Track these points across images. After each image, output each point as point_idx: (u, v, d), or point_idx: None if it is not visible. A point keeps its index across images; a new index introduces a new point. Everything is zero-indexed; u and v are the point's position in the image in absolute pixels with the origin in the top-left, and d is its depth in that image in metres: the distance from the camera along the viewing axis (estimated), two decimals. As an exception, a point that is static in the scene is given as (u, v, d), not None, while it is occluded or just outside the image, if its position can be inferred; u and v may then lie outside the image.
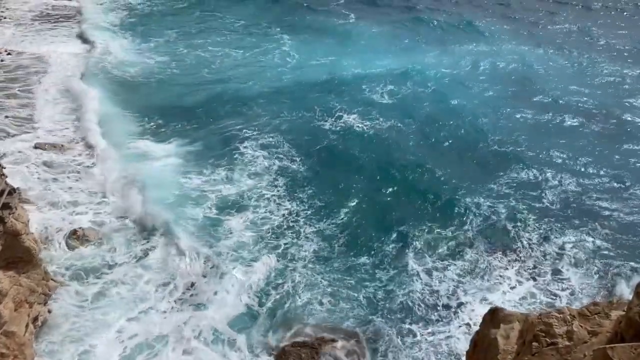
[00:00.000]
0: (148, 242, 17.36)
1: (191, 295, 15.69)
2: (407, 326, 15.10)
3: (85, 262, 16.42)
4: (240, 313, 15.29)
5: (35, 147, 21.44)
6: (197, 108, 25.01)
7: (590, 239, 18.14)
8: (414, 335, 14.87)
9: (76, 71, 27.97)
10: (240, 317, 15.17)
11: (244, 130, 23.28)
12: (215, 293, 15.70)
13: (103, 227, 17.87)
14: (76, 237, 17.13)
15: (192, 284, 16.04)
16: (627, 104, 26.90)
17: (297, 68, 29.55)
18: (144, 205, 18.68)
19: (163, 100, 25.41)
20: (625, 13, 40.95)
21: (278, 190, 19.96)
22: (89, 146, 21.97)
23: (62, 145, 21.89)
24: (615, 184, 21.02)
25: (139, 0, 38.66)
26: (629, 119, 25.45)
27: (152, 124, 23.50)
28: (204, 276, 16.31)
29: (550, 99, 27.01)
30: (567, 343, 6.24)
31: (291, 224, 18.36)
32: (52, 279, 15.26)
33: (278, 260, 16.99)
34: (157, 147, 22.03)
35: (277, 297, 15.78)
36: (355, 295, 15.93)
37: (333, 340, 14.72)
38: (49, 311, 14.81)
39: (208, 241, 17.42)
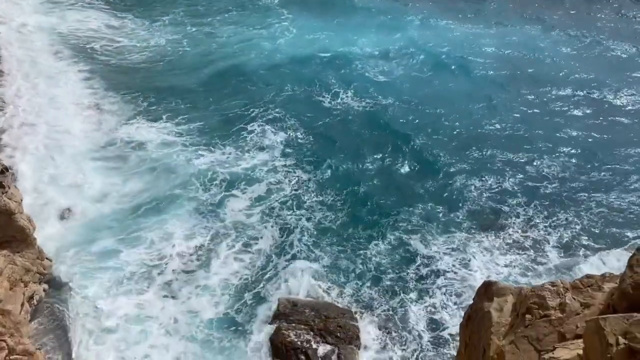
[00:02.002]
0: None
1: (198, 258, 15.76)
2: (400, 301, 15.31)
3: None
4: (235, 285, 15.45)
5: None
6: (204, 86, 24.90)
7: (580, 220, 18.25)
8: (408, 310, 15.08)
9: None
10: (234, 289, 15.34)
11: (250, 107, 23.34)
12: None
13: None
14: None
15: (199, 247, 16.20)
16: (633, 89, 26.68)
17: (294, 44, 29.30)
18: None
19: (173, 80, 25.23)
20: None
21: (285, 164, 20.20)
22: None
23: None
24: (610, 168, 21.02)
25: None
26: (632, 106, 25.25)
27: (155, 104, 23.36)
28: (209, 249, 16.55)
29: (552, 82, 26.81)
30: (560, 315, 6.30)
31: (297, 196, 18.65)
32: (46, 258, 15.27)
33: (281, 234, 17.21)
34: (165, 127, 21.95)
35: (276, 269, 15.98)
36: (352, 268, 16.21)
37: (327, 317, 14.87)
38: (45, 290, 14.85)
39: (216, 215, 17.62)
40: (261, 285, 15.71)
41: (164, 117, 22.43)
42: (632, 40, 31.39)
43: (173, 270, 15.88)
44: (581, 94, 25.87)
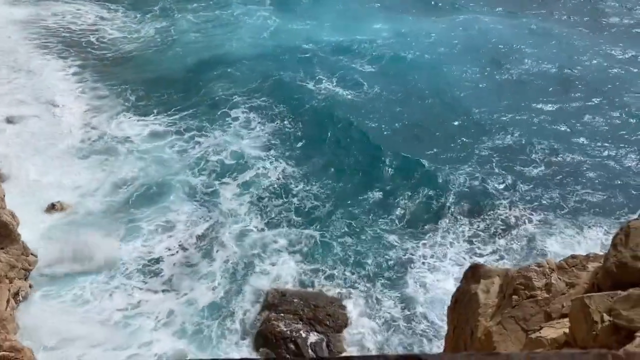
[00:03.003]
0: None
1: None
2: (388, 288, 15.44)
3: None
4: (222, 275, 15.48)
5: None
6: (190, 74, 25.00)
7: (565, 202, 18.47)
8: (395, 296, 15.22)
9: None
10: (221, 280, 15.36)
11: (236, 94, 23.37)
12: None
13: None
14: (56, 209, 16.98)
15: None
16: (604, 72, 26.98)
17: (278, 32, 29.25)
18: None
19: (160, 70, 25.24)
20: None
21: (272, 152, 20.24)
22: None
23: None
24: (594, 151, 21.24)
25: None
26: (613, 92, 25.48)
27: (143, 93, 23.33)
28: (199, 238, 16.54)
29: (533, 69, 26.95)
30: (546, 295, 6.38)
31: (285, 185, 18.71)
32: (31, 254, 15.09)
33: (269, 223, 17.27)
34: (152, 117, 21.94)
35: (265, 259, 16.02)
36: (340, 256, 16.26)
37: (316, 307, 14.91)
38: (30, 286, 14.70)
39: (204, 205, 17.63)
40: (249, 275, 15.72)
41: (152, 106, 22.39)
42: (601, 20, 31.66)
43: (161, 261, 15.89)
44: (564, 77, 26.06)
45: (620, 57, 28.08)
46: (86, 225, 16.57)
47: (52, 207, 16.97)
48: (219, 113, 22.25)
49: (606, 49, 28.98)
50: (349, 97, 23.74)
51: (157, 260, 15.85)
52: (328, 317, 14.70)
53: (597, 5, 34.20)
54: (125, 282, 15.12)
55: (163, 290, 15.10)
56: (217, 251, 16.31)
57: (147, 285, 15.17)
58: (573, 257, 6.83)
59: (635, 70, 26.73)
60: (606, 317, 5.51)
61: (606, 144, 21.39)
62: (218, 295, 15.07)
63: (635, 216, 16.62)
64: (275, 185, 18.79)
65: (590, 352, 1.62)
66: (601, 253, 6.84)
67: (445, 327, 13.90)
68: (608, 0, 34.68)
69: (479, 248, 16.70)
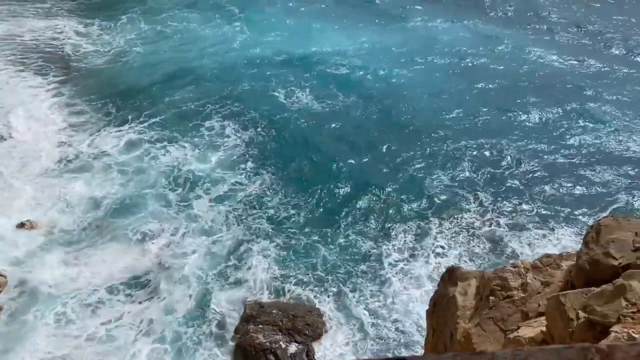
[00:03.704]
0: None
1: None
2: (362, 294, 15.48)
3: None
4: (200, 288, 15.30)
5: None
6: (159, 86, 24.90)
7: (534, 203, 18.83)
8: (369, 302, 15.25)
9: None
10: (200, 292, 15.18)
11: (206, 104, 23.35)
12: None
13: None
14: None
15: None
16: (577, 75, 27.67)
17: (248, 44, 29.31)
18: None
19: (130, 81, 25.18)
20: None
21: (246, 161, 20.32)
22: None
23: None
24: (563, 152, 21.73)
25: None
26: (572, 95, 26.15)
27: (111, 108, 23.09)
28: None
29: (505, 72, 27.51)
30: (522, 295, 6.47)
31: (260, 195, 18.73)
32: (1, 275, 14.66)
33: (243, 232, 17.20)
34: (125, 129, 21.79)
35: (240, 272, 15.87)
36: (316, 265, 16.27)
37: (294, 317, 14.83)
38: (0, 308, 14.25)
39: (179, 216, 17.61)
40: (225, 286, 15.58)
41: (125, 118, 22.31)
42: (580, 21, 32.57)
43: (140, 271, 15.68)
44: (533, 80, 26.65)
45: (571, 61, 28.85)
46: (60, 243, 16.22)
47: (21, 226, 16.53)
48: (191, 124, 22.17)
49: (556, 51, 29.85)
50: (321, 107, 23.87)
51: (135, 272, 15.68)
52: (307, 327, 14.63)
53: (537, 9, 35.10)
54: (105, 296, 14.91)
55: (141, 302, 14.91)
56: (193, 260, 16.16)
57: (126, 298, 14.99)
58: (547, 256, 6.94)
59: (591, 72, 27.49)
60: (581, 314, 5.61)
61: (573, 146, 21.92)
62: (194, 307, 14.90)
63: (606, 214, 17.06)
64: (251, 195, 18.76)
65: (574, 346, 1.64)
66: (574, 251, 6.98)
67: (419, 332, 14.15)
68: (548, 6, 35.65)
69: (451, 251, 16.88)
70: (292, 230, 17.48)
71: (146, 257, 16.12)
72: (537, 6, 35.38)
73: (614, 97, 25.20)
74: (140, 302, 14.91)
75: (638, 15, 34.45)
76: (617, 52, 29.84)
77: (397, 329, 14.60)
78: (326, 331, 14.55)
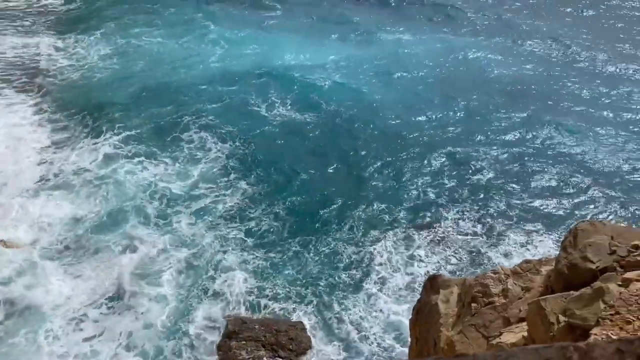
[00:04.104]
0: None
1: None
2: (345, 305, 15.42)
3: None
4: (176, 304, 15.10)
5: None
6: (137, 99, 24.73)
7: (511, 210, 19.06)
8: (352, 313, 15.20)
9: None
10: (178, 309, 15.00)
11: (185, 116, 23.25)
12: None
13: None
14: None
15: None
16: (548, 83, 28.24)
17: (227, 57, 29.33)
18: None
19: (106, 96, 24.96)
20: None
21: (226, 173, 20.22)
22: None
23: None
24: (541, 159, 22.07)
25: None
26: (554, 104, 26.67)
27: (91, 121, 22.98)
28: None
29: (481, 82, 27.93)
30: (504, 301, 6.51)
31: (240, 207, 18.63)
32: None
33: (224, 247, 17.02)
34: (103, 144, 21.54)
35: (220, 287, 15.74)
36: (297, 278, 16.15)
37: (277, 332, 14.70)
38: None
39: (160, 230, 17.51)
40: (206, 301, 15.40)
41: (101, 132, 22.07)
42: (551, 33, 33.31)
43: (119, 286, 15.47)
44: (505, 90, 27.10)
45: (542, 71, 29.50)
46: (42, 261, 16.06)
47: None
48: (169, 137, 22.05)
49: (527, 61, 30.53)
50: (301, 119, 23.96)
51: (114, 287, 15.48)
52: (290, 341, 14.48)
53: (507, 21, 35.92)
54: (87, 311, 14.72)
55: (120, 315, 14.72)
56: (171, 275, 15.98)
57: (108, 311, 14.82)
58: (526, 261, 7.01)
59: (562, 82, 28.09)
60: (561, 318, 5.67)
61: (548, 155, 22.28)
62: (173, 321, 14.71)
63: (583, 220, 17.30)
64: (232, 208, 18.65)
65: (553, 345, 1.64)
66: (553, 257, 7.06)
67: (402, 342, 14.15)
68: (517, 19, 36.46)
69: (430, 260, 16.95)
70: (273, 243, 17.39)
71: (126, 272, 15.93)
72: (506, 19, 36.13)
73: (585, 108, 25.71)
74: (119, 316, 14.70)
75: (608, 29, 35.38)
76: (586, 63, 30.52)
77: (381, 339, 14.56)
78: (311, 346, 14.44)
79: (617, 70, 29.34)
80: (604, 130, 23.89)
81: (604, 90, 27.23)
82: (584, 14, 37.47)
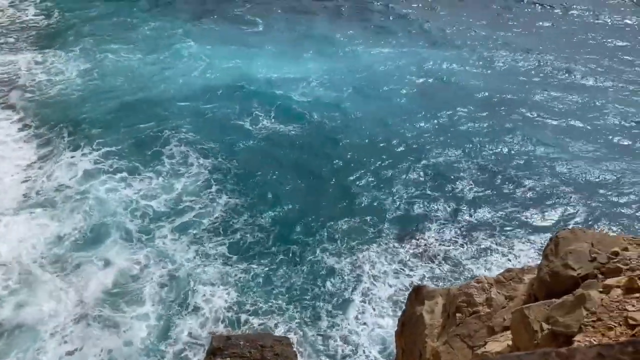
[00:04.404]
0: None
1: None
2: (333, 319, 15.36)
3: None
4: (157, 323, 14.90)
5: None
6: (118, 115, 24.60)
7: (494, 219, 19.26)
8: (341, 327, 15.15)
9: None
10: (161, 326, 14.81)
11: (164, 130, 23.21)
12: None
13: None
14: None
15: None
16: (525, 95, 28.71)
17: (209, 71, 29.31)
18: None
19: (86, 112, 24.78)
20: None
21: (209, 187, 20.16)
22: None
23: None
24: (520, 170, 22.38)
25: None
26: (526, 112, 27.10)
27: (72, 137, 22.81)
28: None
29: (453, 93, 28.30)
30: (488, 310, 6.54)
31: (224, 221, 18.60)
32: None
33: (206, 262, 16.89)
34: (84, 160, 21.44)
35: (202, 302, 15.59)
36: (280, 292, 16.09)
37: (263, 347, 14.53)
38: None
39: (142, 246, 17.38)
40: (187, 317, 15.23)
41: (81, 149, 21.89)
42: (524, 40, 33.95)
43: (101, 302, 15.34)
44: (487, 102, 27.49)
45: (517, 81, 30.04)
46: (24, 279, 15.88)
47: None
48: (150, 152, 21.92)
49: (502, 71, 31.09)
50: (287, 131, 24.02)
51: (96, 302, 15.39)
52: (276, 357, 14.24)
53: (477, 35, 36.64)
54: (68, 329, 14.53)
55: (101, 330, 14.59)
56: (155, 290, 15.84)
57: (88, 327, 14.66)
58: (509, 270, 7.07)
59: (545, 94, 28.60)
60: (545, 326, 5.71)
61: (528, 163, 22.61)
62: (155, 338, 14.52)
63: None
64: (215, 221, 18.59)
65: (535, 352, 1.66)
66: (535, 265, 7.13)
67: (389, 355, 14.10)
68: (487, 33, 37.20)
69: (414, 272, 17.00)
70: (257, 256, 17.32)
71: (108, 289, 15.78)
72: (481, 33, 36.73)
73: (562, 119, 26.14)
74: (101, 332, 14.55)
75: (580, 42, 36.20)
76: (561, 75, 31.08)
77: (368, 352, 14.51)
78: (296, 361, 14.31)
79: (592, 82, 29.97)
80: (580, 141, 24.33)
81: (579, 102, 27.78)
82: (557, 28, 38.28)
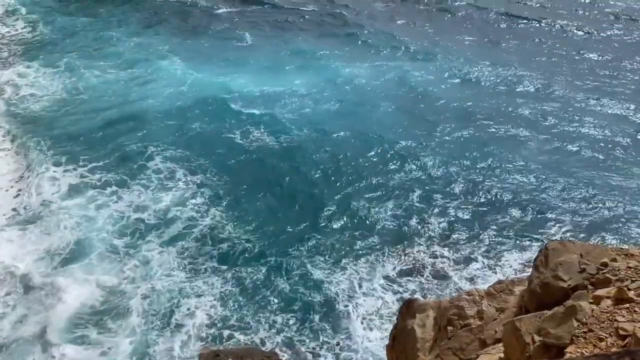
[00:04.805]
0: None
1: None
2: (322, 334, 15.22)
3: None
4: (142, 339, 14.72)
5: None
6: (104, 130, 24.45)
7: (484, 232, 19.34)
8: (330, 342, 15.02)
9: None
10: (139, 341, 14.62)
11: (150, 146, 23.05)
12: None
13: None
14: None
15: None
16: (512, 109, 29.06)
17: (195, 85, 29.29)
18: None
19: (71, 127, 24.65)
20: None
21: (196, 201, 20.08)
22: None
23: None
24: (509, 182, 22.54)
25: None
26: (518, 121, 27.42)
27: (57, 152, 22.62)
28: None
29: (441, 106, 28.53)
30: (479, 322, 6.53)
31: (212, 235, 18.48)
32: None
33: (193, 276, 16.81)
34: (70, 175, 21.33)
35: (187, 318, 15.42)
36: (267, 306, 15.93)
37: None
38: None
39: (127, 260, 17.27)
40: (174, 332, 15.02)
41: (66, 164, 21.70)
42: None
43: (84, 320, 15.18)
44: (472, 114, 27.77)
45: (527, 89, 30.56)
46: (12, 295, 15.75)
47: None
48: (135, 166, 21.73)
49: (508, 81, 31.53)
50: (274, 145, 23.99)
51: (82, 318, 15.22)
52: (266, 371, 14.18)
53: (446, 49, 37.20)
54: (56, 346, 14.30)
55: (87, 349, 14.37)
56: (141, 307, 15.62)
57: (76, 345, 14.46)
58: (499, 282, 7.08)
59: (549, 107, 29.00)
60: (537, 338, 5.71)
61: (522, 173, 22.79)
62: (140, 354, 14.30)
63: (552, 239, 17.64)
64: (204, 234, 18.46)
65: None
66: (525, 277, 7.15)
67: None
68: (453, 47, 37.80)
69: (404, 286, 16.96)
70: (247, 268, 17.17)
71: (94, 305, 15.60)
72: (455, 48, 37.25)
73: (543, 134, 26.44)
74: (86, 351, 14.34)
75: (562, 57, 36.85)
76: (545, 88, 31.54)
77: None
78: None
79: (579, 96, 30.42)
80: (568, 154, 24.63)
81: (564, 115, 28.17)
82: (543, 42, 38.95)
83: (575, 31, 41.12)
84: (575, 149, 25.05)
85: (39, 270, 16.72)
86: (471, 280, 17.30)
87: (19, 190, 20.33)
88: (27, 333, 14.63)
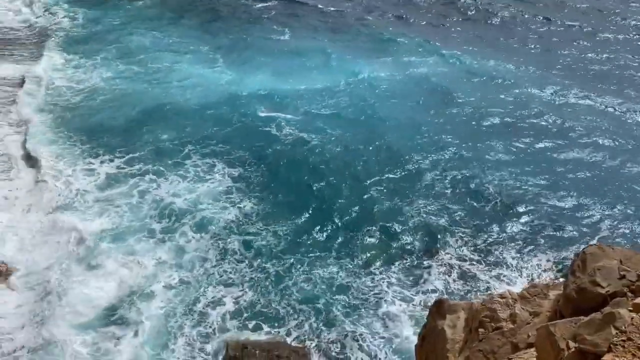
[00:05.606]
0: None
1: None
2: (349, 330, 15.17)
3: None
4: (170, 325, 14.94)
5: None
6: (143, 123, 24.83)
7: (517, 234, 19.00)
8: (359, 339, 14.96)
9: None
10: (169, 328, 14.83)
11: (187, 142, 23.35)
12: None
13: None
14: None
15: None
16: (545, 112, 28.41)
17: (233, 84, 29.51)
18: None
19: (109, 120, 25.04)
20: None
21: (231, 195, 20.31)
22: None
23: None
24: (541, 181, 22.07)
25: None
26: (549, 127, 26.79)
27: (94, 144, 23.11)
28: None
29: (480, 108, 28.00)
30: (512, 326, 6.41)
31: (246, 230, 18.65)
32: None
33: (225, 267, 17.01)
34: (106, 165, 21.80)
35: (214, 308, 15.57)
36: (296, 302, 15.94)
37: (279, 357, 14.50)
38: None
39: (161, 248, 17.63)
40: (203, 320, 15.19)
41: (104, 156, 22.10)
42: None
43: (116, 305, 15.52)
44: (512, 116, 27.25)
45: (567, 99, 29.76)
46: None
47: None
48: (171, 161, 21.93)
49: (550, 89, 30.78)
50: (312, 141, 23.97)
51: (111, 306, 15.50)
52: (293, 364, 14.26)
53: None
54: (88, 332, 14.66)
55: (115, 336, 14.64)
56: (169, 292, 15.91)
57: (102, 332, 14.74)
58: (533, 286, 6.94)
59: (584, 113, 28.24)
60: (572, 344, 5.57)
61: (558, 180, 22.25)
62: (166, 343, 14.51)
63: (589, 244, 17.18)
64: (232, 223, 18.70)
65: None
66: (560, 281, 6.99)
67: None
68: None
69: (435, 285, 16.80)
70: (274, 263, 17.23)
71: (126, 287, 15.93)
72: (479, 47, 36.57)
73: (579, 135, 25.84)
74: (116, 331, 14.75)
75: (578, 58, 35.89)
76: (564, 91, 30.66)
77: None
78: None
79: (591, 98, 29.54)
80: (600, 152, 24.00)
81: (580, 118, 27.39)
82: (561, 44, 37.97)
83: (595, 31, 39.88)
84: (614, 154, 24.35)
85: (78, 249, 17.22)
86: (498, 281, 17.05)
87: (57, 178, 20.82)
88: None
